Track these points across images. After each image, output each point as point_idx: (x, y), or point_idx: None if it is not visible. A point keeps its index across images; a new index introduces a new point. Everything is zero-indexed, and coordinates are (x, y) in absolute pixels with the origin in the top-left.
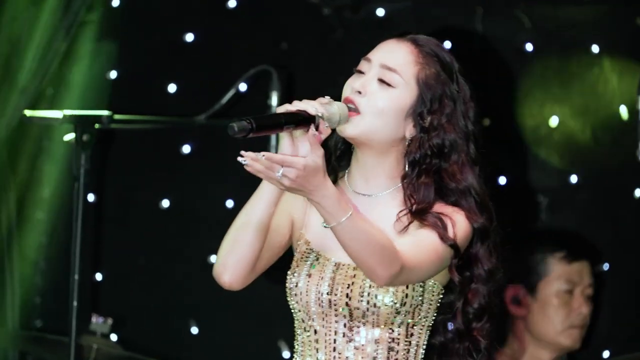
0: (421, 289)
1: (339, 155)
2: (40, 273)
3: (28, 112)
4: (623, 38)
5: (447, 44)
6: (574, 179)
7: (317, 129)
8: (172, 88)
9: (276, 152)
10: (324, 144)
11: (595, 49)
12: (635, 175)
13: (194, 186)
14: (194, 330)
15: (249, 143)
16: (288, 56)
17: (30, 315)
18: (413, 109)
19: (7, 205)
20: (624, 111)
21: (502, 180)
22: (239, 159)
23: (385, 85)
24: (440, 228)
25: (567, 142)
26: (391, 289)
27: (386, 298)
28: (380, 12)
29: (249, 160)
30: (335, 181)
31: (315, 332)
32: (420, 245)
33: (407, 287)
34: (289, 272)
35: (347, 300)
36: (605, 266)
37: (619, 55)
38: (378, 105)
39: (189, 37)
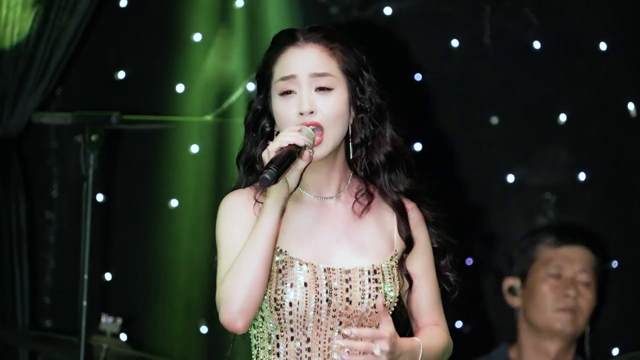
0: (397, 286)
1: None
2: (50, 273)
3: (37, 113)
4: (631, 35)
5: (455, 43)
6: (582, 176)
7: (301, 157)
8: (180, 88)
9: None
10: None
11: (603, 46)
12: None
13: (202, 185)
14: (204, 329)
15: None
16: None
17: (40, 315)
18: (350, 97)
19: (16, 205)
20: (632, 108)
21: (510, 178)
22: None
23: (326, 91)
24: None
25: (576, 140)
26: (391, 289)
27: (388, 297)
28: (388, 10)
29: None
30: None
31: (308, 340)
32: (440, 298)
33: (396, 288)
34: (275, 284)
35: (347, 304)
36: (614, 263)
37: (626, 52)
38: (332, 115)
39: (197, 36)
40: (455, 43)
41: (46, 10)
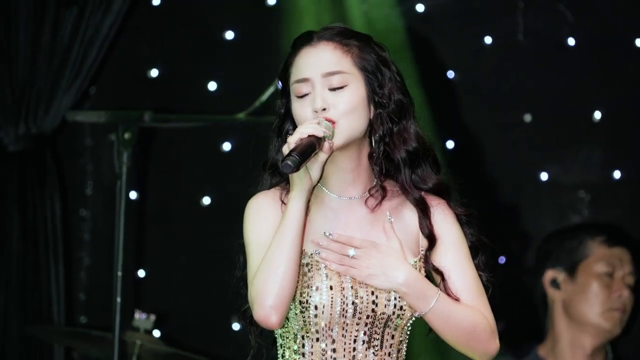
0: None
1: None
2: (85, 270)
3: (71, 111)
4: None
5: (488, 39)
6: (617, 174)
7: (321, 149)
8: (212, 86)
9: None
10: None
11: (638, 42)
12: None
13: (234, 183)
14: (236, 326)
15: None
16: None
17: (75, 311)
18: (368, 93)
19: (51, 203)
20: None
21: (544, 176)
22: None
23: (339, 90)
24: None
25: (610, 137)
26: None
27: None
28: (420, 7)
29: (323, 248)
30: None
31: (334, 341)
32: (482, 291)
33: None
34: (301, 287)
35: (373, 307)
36: None
37: None
38: (345, 110)
39: (229, 34)
40: (488, 40)
41: (81, 9)
